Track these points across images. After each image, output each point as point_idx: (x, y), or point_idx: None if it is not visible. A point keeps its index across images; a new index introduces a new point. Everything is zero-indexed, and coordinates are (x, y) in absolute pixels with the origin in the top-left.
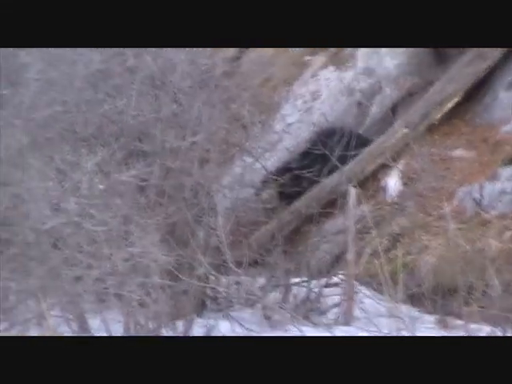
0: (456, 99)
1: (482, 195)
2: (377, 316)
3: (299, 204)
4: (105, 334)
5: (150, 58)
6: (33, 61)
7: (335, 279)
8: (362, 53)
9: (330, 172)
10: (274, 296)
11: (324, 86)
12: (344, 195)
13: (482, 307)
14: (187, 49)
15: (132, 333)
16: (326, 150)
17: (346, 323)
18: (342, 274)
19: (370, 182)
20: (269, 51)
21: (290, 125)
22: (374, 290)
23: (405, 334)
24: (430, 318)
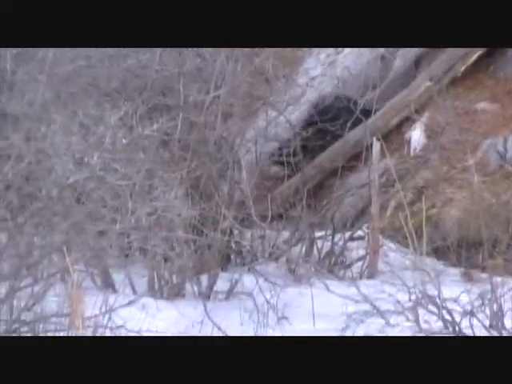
0: (479, 52)
1: (506, 148)
2: (401, 269)
3: (323, 158)
4: (129, 289)
5: None
6: None
7: (359, 233)
8: None
9: (354, 125)
10: (299, 250)
11: None
12: (368, 149)
13: (507, 260)
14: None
15: (156, 287)
16: (350, 103)
17: (371, 277)
18: (366, 228)
19: (393, 136)
20: None
21: (313, 78)
22: (399, 243)
23: (429, 288)
24: (455, 271)
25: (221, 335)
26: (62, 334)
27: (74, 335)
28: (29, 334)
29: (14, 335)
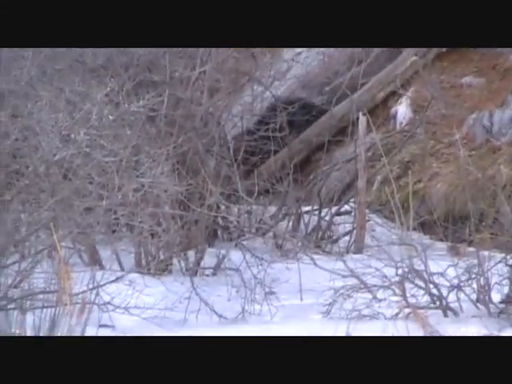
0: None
1: (491, 122)
2: (388, 244)
3: (309, 132)
4: (116, 265)
5: None
6: None
7: (346, 207)
8: None
9: (340, 100)
10: (285, 225)
11: None
12: (354, 123)
13: (493, 234)
14: None
15: (143, 263)
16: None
17: (358, 251)
18: (352, 202)
19: (379, 110)
20: None
21: (299, 54)
22: (385, 217)
23: (416, 263)
24: (442, 245)
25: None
26: (49, 311)
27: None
28: (16, 312)
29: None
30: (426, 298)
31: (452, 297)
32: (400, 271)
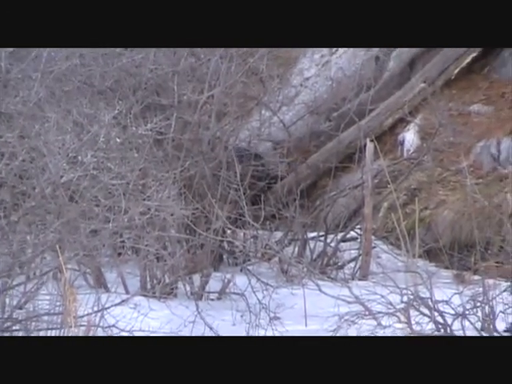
0: (473, 54)
1: (499, 150)
2: (394, 271)
3: (317, 158)
4: (121, 288)
5: None
6: None
7: (352, 234)
8: None
9: (348, 126)
10: (291, 250)
11: None
12: (361, 150)
13: (499, 262)
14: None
15: (148, 287)
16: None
17: (363, 278)
18: (358, 229)
19: (387, 137)
20: None
21: (307, 79)
22: (391, 244)
23: (421, 290)
24: (447, 273)
25: (212, 335)
26: (54, 333)
27: (64, 335)
28: (21, 333)
29: (5, 335)
30: (431, 325)
31: (457, 325)
32: (405, 298)
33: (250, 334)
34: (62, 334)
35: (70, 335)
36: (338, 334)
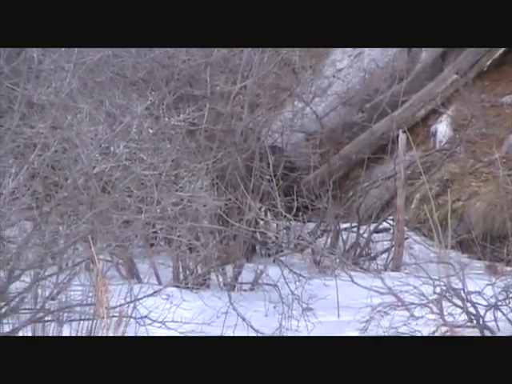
0: None
1: None
2: (426, 262)
3: (349, 149)
4: (154, 279)
5: None
6: None
7: (385, 225)
8: None
9: (380, 117)
10: (324, 241)
11: None
12: (394, 141)
13: None
14: None
15: (181, 278)
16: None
17: (396, 269)
18: (391, 220)
19: (419, 128)
20: None
21: (340, 70)
22: (424, 235)
23: (454, 281)
24: (480, 264)
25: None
26: (86, 324)
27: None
28: (53, 324)
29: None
30: (464, 316)
31: (489, 316)
32: (438, 289)
33: (282, 325)
34: (94, 325)
35: (97, 335)
36: (370, 326)
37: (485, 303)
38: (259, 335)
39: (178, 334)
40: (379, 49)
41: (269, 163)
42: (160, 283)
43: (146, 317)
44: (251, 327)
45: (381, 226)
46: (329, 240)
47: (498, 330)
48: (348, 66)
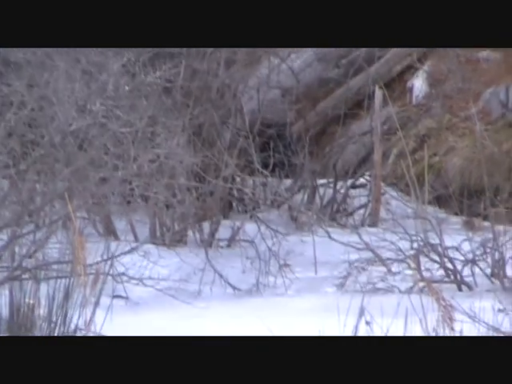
0: None
1: (508, 97)
2: (403, 217)
3: (325, 105)
4: (131, 236)
5: None
6: None
7: (362, 180)
8: None
9: (356, 73)
10: (301, 197)
11: None
12: (370, 96)
13: (509, 208)
14: None
15: (158, 234)
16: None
17: (373, 224)
18: (368, 176)
19: (396, 84)
20: None
21: None
22: (401, 191)
23: (431, 236)
24: (457, 220)
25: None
26: (63, 281)
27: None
28: (30, 282)
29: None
30: (441, 272)
31: (466, 271)
32: (415, 245)
33: (259, 282)
34: (71, 283)
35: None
36: (348, 281)
37: (462, 258)
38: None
39: (155, 291)
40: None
41: (245, 119)
42: (137, 240)
43: (123, 274)
44: (228, 284)
45: (358, 182)
46: (305, 196)
47: (476, 285)
48: None
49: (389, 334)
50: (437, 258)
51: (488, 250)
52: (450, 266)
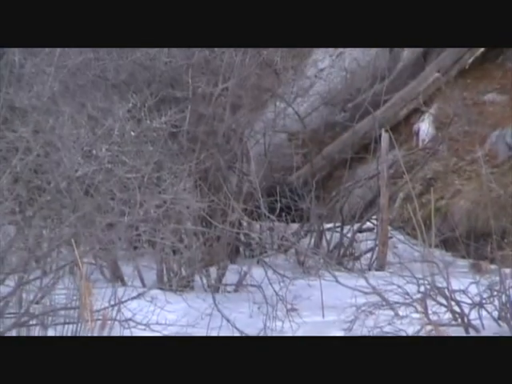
0: None
1: None
2: (410, 261)
3: (332, 149)
4: (138, 281)
5: None
6: None
7: (368, 224)
8: None
9: (363, 117)
10: (308, 242)
11: None
12: (377, 140)
13: None
14: None
15: (165, 280)
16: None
17: (380, 268)
18: (375, 219)
19: (402, 127)
20: None
21: (321, 70)
22: (408, 234)
23: (438, 280)
24: (464, 263)
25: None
26: (71, 327)
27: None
28: (38, 328)
29: (18, 335)
30: (448, 315)
31: (474, 314)
32: (422, 288)
33: (267, 326)
34: (78, 329)
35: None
36: (355, 325)
37: (469, 301)
38: (244, 335)
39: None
40: (361, 48)
41: (251, 164)
42: (144, 285)
43: (130, 319)
44: (236, 328)
45: (364, 226)
46: (312, 240)
47: (483, 328)
48: (329, 66)
49: None
50: (444, 302)
51: (495, 293)
52: (457, 309)
